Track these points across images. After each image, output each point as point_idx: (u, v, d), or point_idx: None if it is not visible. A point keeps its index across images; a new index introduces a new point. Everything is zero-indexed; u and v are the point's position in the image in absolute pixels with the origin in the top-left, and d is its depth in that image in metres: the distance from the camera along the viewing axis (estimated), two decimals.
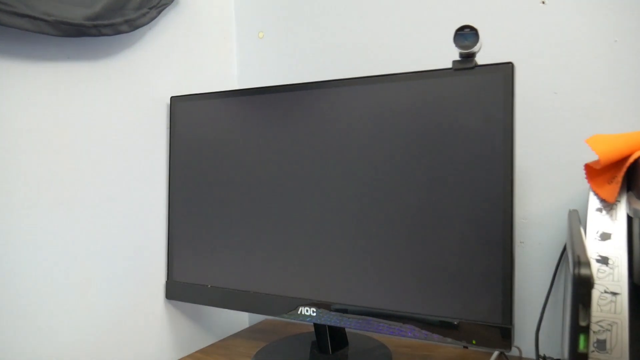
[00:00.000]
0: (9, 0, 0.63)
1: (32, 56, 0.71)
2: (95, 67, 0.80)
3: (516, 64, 0.66)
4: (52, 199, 0.74)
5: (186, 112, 0.89)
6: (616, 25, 0.76)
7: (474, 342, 0.66)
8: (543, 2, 0.80)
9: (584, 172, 0.65)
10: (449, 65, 0.68)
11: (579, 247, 0.45)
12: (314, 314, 0.77)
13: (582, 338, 0.40)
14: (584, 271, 0.40)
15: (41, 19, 0.66)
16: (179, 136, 0.90)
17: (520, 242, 0.84)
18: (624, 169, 0.58)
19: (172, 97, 0.91)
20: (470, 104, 0.66)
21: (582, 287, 0.40)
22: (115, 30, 0.78)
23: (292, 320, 1.04)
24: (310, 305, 0.77)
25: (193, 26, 0.98)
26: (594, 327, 0.55)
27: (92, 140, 0.79)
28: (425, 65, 0.89)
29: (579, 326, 0.40)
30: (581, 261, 0.40)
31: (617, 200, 0.59)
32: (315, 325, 0.83)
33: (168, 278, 0.91)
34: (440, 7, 0.88)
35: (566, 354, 0.46)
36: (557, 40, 0.80)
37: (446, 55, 0.87)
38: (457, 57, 0.67)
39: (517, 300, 0.84)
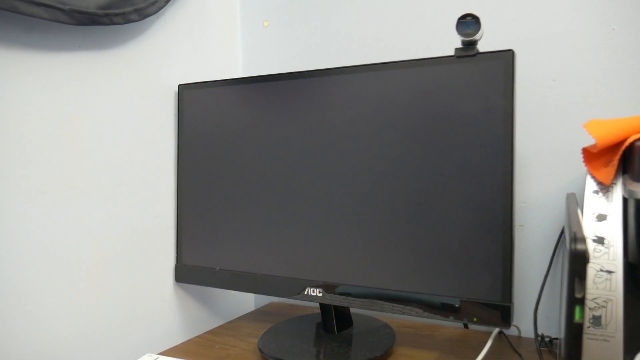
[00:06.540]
0: None
1: (44, 45, 0.73)
2: (105, 55, 0.82)
3: (516, 52, 0.68)
4: (63, 184, 0.75)
5: (194, 99, 0.91)
6: (614, 13, 0.78)
7: (475, 319, 0.68)
8: None
9: (581, 155, 0.67)
10: (452, 53, 0.70)
11: (575, 225, 0.47)
12: (320, 295, 0.79)
13: (577, 309, 0.43)
14: (579, 246, 0.42)
15: (57, 8, 0.68)
16: (187, 122, 0.92)
17: (520, 225, 0.86)
18: (620, 152, 0.60)
19: (179, 85, 0.93)
20: (471, 90, 0.68)
21: (578, 261, 0.42)
22: (125, 19, 0.79)
23: (299, 302, 1.06)
24: (317, 286, 0.79)
25: (199, 15, 1.00)
26: (590, 304, 0.58)
27: (102, 126, 0.81)
28: (428, 53, 0.91)
29: (575, 298, 0.42)
30: (577, 237, 0.42)
31: (613, 183, 0.61)
32: (321, 305, 0.86)
33: (177, 262, 0.93)
34: None
35: (563, 329, 0.49)
36: (557, 28, 0.81)
37: (448, 44, 0.89)
38: (459, 45, 0.69)
39: (516, 281, 0.86)
